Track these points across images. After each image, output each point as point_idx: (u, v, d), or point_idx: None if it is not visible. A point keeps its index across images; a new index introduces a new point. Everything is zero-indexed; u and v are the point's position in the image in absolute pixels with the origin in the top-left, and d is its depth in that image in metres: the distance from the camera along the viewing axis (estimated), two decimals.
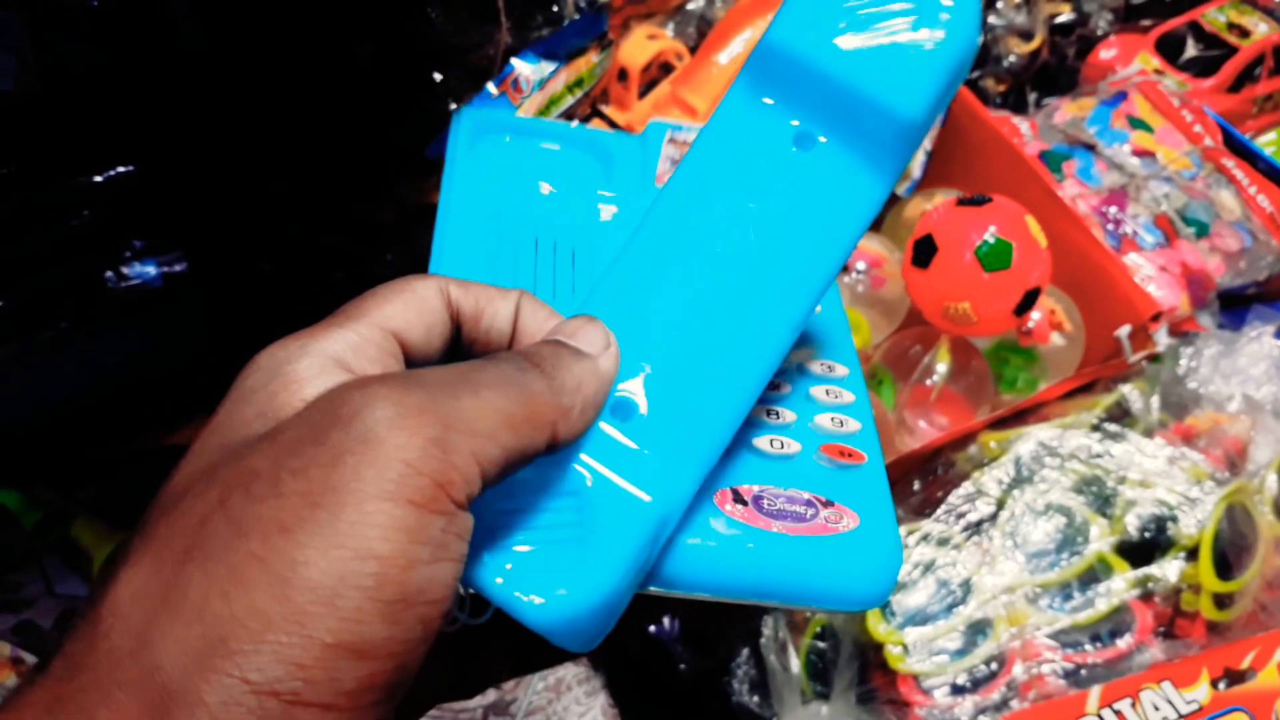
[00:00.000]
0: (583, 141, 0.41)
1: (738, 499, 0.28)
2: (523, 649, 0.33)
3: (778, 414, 0.31)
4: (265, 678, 0.18)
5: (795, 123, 0.28)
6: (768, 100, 0.28)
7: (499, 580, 0.23)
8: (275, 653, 0.18)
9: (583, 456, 0.25)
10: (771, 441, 0.30)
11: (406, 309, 0.25)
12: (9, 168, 0.51)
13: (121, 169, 0.54)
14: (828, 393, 0.32)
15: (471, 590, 0.24)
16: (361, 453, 0.20)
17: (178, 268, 0.57)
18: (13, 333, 0.54)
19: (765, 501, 0.29)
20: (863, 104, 0.27)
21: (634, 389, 0.27)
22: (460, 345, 0.27)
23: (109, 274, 0.57)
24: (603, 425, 0.26)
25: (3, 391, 0.56)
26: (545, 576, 0.23)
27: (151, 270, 0.57)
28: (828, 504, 0.29)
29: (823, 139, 0.28)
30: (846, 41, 0.27)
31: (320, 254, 0.58)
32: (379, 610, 0.19)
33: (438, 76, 0.50)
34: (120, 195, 0.55)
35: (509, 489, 0.24)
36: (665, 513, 0.25)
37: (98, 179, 0.54)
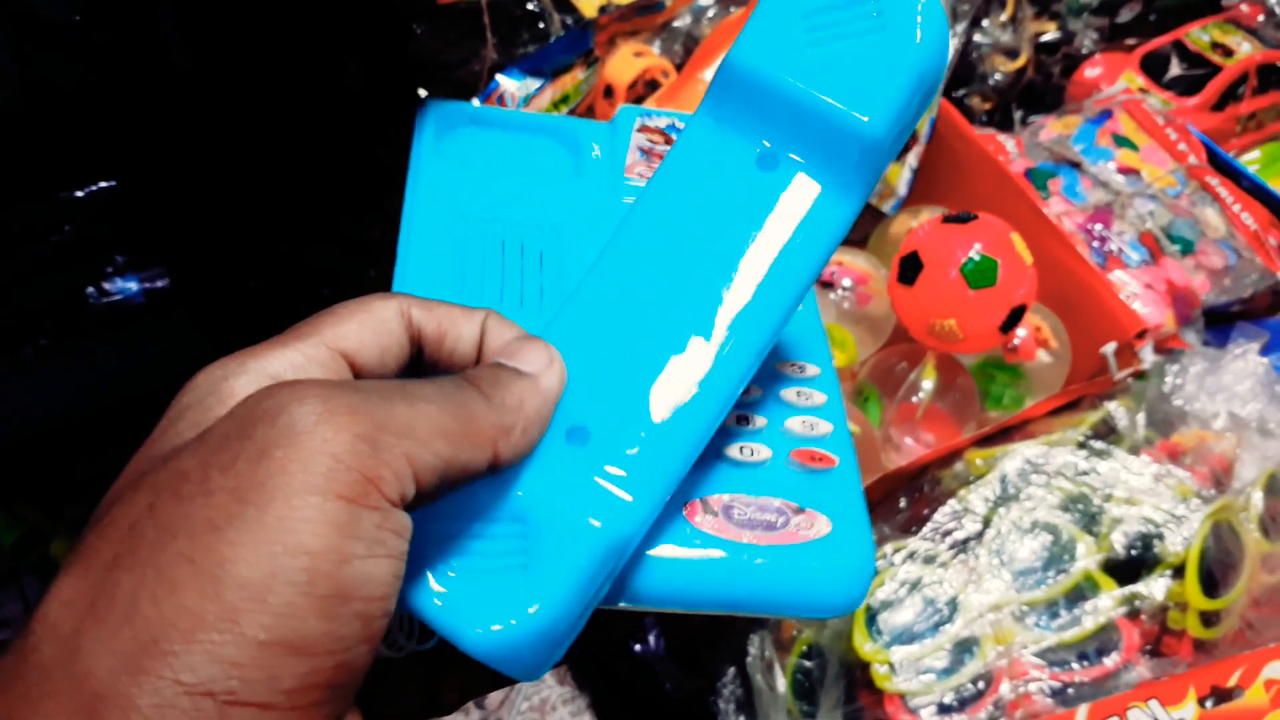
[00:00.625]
0: (550, 129, 0.40)
1: (707, 509, 0.28)
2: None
3: (748, 420, 0.31)
4: (198, 678, 0.18)
5: (764, 143, 0.28)
6: (731, 120, 0.28)
7: (437, 603, 0.23)
8: (208, 652, 0.18)
9: (529, 479, 0.25)
10: (742, 449, 0.30)
11: (362, 329, 0.25)
12: None
13: (103, 184, 0.53)
14: (799, 395, 0.32)
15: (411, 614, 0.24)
16: (287, 446, 0.19)
17: (160, 284, 0.56)
18: None
19: (735, 511, 0.28)
20: (826, 122, 0.26)
21: (593, 410, 0.26)
22: (422, 366, 0.27)
23: (90, 290, 0.56)
24: (552, 447, 0.25)
25: None
26: (486, 603, 0.23)
27: (134, 286, 0.57)
28: (799, 510, 0.29)
29: (792, 157, 0.27)
30: (808, 60, 0.27)
31: (306, 270, 0.58)
32: (313, 606, 0.19)
33: (423, 93, 0.50)
34: (102, 211, 0.54)
35: (451, 511, 0.24)
36: (618, 538, 0.25)
37: (79, 194, 0.53)
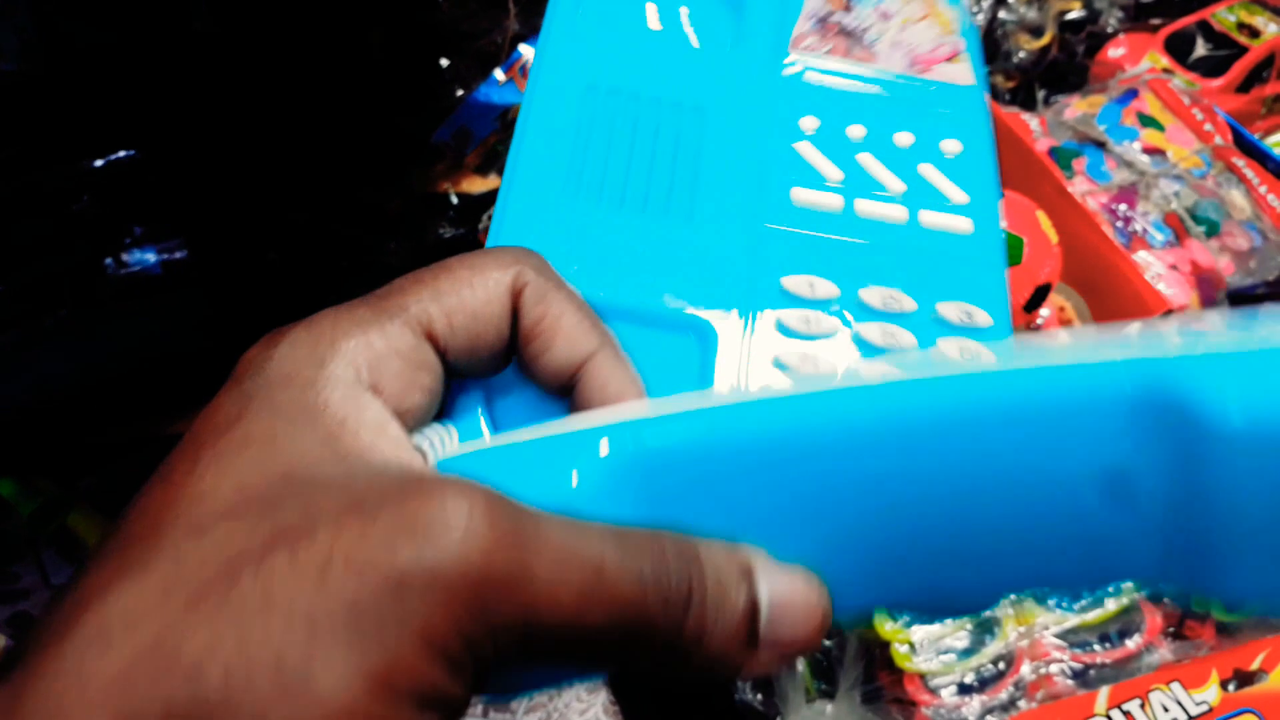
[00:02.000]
0: None
1: None
2: None
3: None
4: None
5: None
6: None
7: None
8: None
9: None
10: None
11: (463, 308, 0.22)
12: (9, 150, 0.51)
13: (123, 154, 0.53)
14: (961, 353, 0.27)
15: None
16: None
17: (178, 255, 0.56)
18: (12, 319, 0.54)
19: None
20: None
21: None
22: (510, 348, 0.24)
23: (109, 260, 0.56)
24: None
25: (2, 378, 0.55)
26: None
27: (151, 257, 0.56)
28: None
29: None
30: None
31: (326, 242, 0.58)
32: None
33: (445, 63, 0.50)
34: (121, 181, 0.54)
35: None
36: None
37: (98, 163, 0.53)
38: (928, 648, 0.48)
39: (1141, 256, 0.62)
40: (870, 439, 0.21)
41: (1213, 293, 0.62)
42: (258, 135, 0.54)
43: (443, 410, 0.24)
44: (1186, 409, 0.19)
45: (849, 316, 0.28)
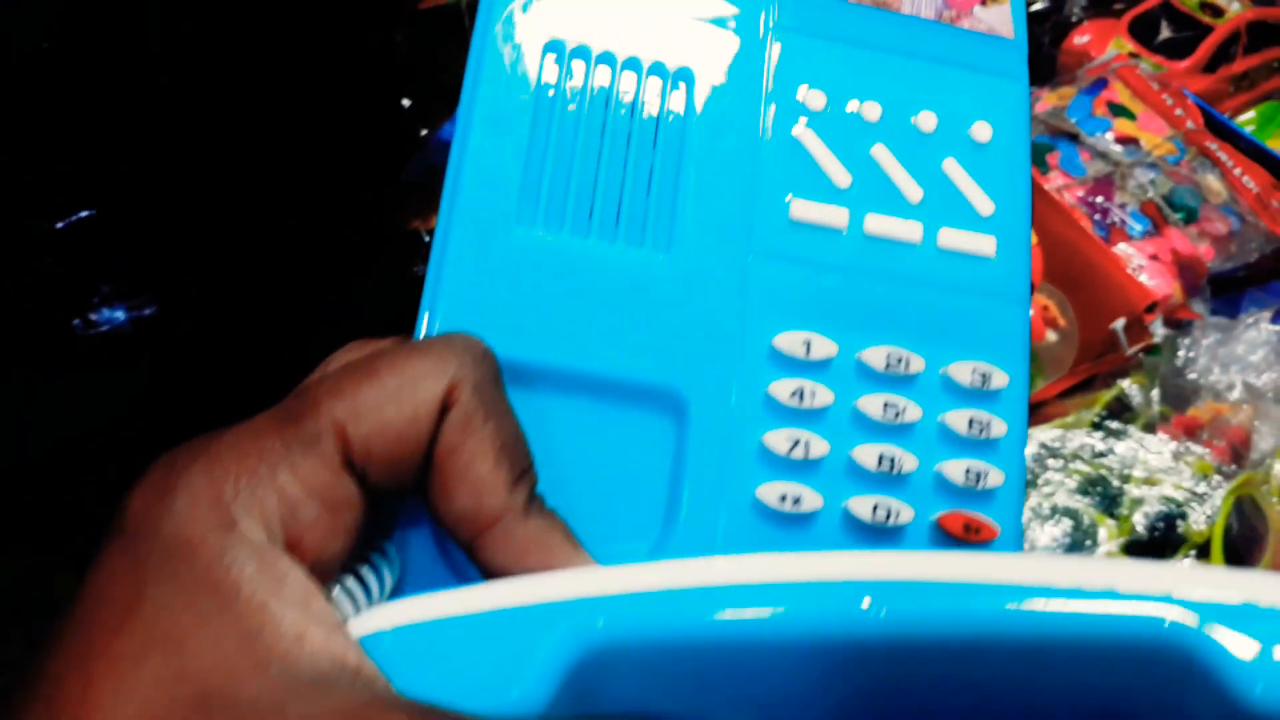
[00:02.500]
0: None
1: None
2: None
3: (894, 462, 0.25)
4: None
5: None
6: None
7: None
8: None
9: None
10: (875, 509, 0.24)
11: (383, 427, 0.20)
12: None
13: (84, 213, 0.52)
14: (972, 425, 0.25)
15: None
16: None
17: (146, 311, 0.55)
18: None
19: None
20: None
21: None
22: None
23: (76, 321, 0.55)
24: None
25: None
26: None
27: (120, 315, 0.55)
28: None
29: None
30: None
31: (299, 284, 0.57)
32: None
33: (406, 102, 0.49)
34: (84, 240, 0.53)
35: None
36: None
37: (59, 225, 0.52)
38: None
39: (1121, 249, 0.61)
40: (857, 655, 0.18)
41: (1195, 280, 0.62)
42: (220, 186, 0.53)
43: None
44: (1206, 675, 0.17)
45: (848, 385, 0.25)
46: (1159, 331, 0.56)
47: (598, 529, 0.23)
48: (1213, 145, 0.68)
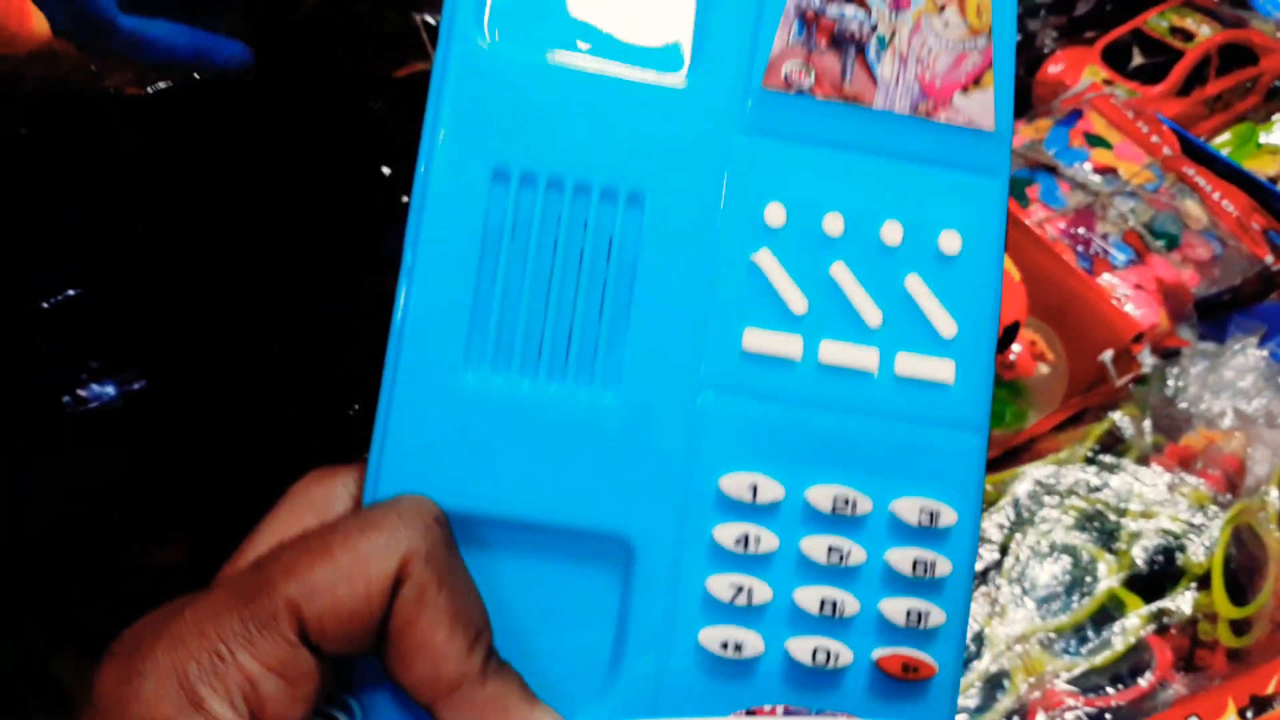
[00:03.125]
0: None
1: None
2: None
3: (835, 605, 0.25)
4: None
5: None
6: None
7: None
8: None
9: None
10: (816, 651, 0.25)
11: (335, 606, 0.21)
12: None
13: (71, 292, 0.52)
14: (916, 565, 0.25)
15: None
16: None
17: (136, 385, 0.55)
18: None
19: None
20: None
21: None
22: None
23: (66, 398, 0.55)
24: None
25: None
26: None
27: (110, 390, 0.55)
28: None
29: None
30: None
31: (283, 354, 0.57)
32: None
33: (387, 171, 0.49)
34: (71, 318, 0.53)
35: None
36: None
37: (46, 304, 0.52)
38: None
39: (1106, 279, 0.62)
40: None
41: (1181, 307, 0.62)
42: (204, 260, 0.53)
43: None
44: None
45: (793, 528, 0.25)
46: (1147, 361, 0.56)
47: (549, 675, 0.24)
48: (1190, 170, 0.69)
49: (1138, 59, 0.83)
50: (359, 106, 0.48)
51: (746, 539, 0.25)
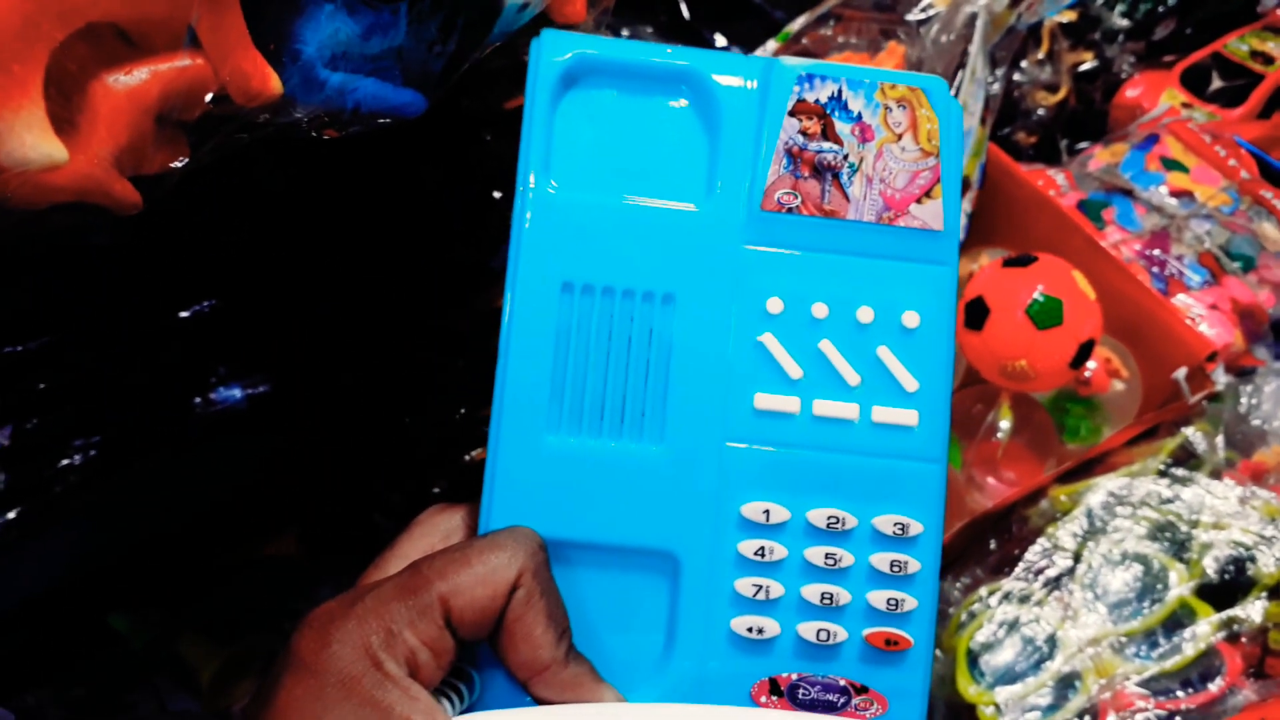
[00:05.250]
0: (686, 80, 0.35)
1: (775, 690, 0.33)
2: None
3: (831, 596, 0.33)
4: None
5: None
6: None
7: None
8: None
9: None
10: (819, 631, 0.33)
11: (473, 602, 0.29)
12: (109, 312, 0.55)
13: (207, 303, 0.57)
14: (892, 565, 0.33)
15: None
16: None
17: (261, 389, 0.60)
18: (112, 465, 0.57)
19: (801, 691, 0.33)
20: None
21: None
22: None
23: (196, 400, 0.60)
24: None
25: (105, 522, 0.59)
26: None
27: (237, 393, 0.60)
28: (861, 690, 0.33)
29: None
30: None
31: (397, 363, 0.61)
32: None
33: (497, 194, 0.53)
34: (206, 327, 0.58)
35: None
36: None
37: (184, 314, 0.57)
38: (1013, 707, 0.49)
39: (1180, 300, 0.63)
40: None
41: (1257, 327, 0.63)
42: (330, 275, 0.57)
43: None
44: None
45: (797, 541, 0.34)
46: (1221, 379, 0.58)
47: (614, 661, 0.33)
48: (1268, 194, 0.70)
49: (1217, 83, 0.84)
50: (473, 137, 0.53)
51: (763, 550, 0.33)
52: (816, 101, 0.34)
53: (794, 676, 0.33)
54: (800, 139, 0.34)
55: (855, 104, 0.34)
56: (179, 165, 0.23)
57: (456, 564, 0.30)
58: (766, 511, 0.33)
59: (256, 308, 0.58)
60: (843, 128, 0.34)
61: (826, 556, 0.33)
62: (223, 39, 0.20)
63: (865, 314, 0.34)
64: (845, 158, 0.34)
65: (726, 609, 0.33)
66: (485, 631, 0.30)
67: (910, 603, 0.33)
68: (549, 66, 0.34)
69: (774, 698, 0.33)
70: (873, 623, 0.33)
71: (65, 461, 0.56)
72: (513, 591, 0.30)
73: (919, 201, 0.34)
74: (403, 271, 0.57)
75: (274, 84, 0.22)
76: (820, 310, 0.34)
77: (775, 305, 0.34)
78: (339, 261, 0.57)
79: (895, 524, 0.33)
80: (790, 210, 0.34)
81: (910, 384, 0.34)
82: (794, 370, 0.34)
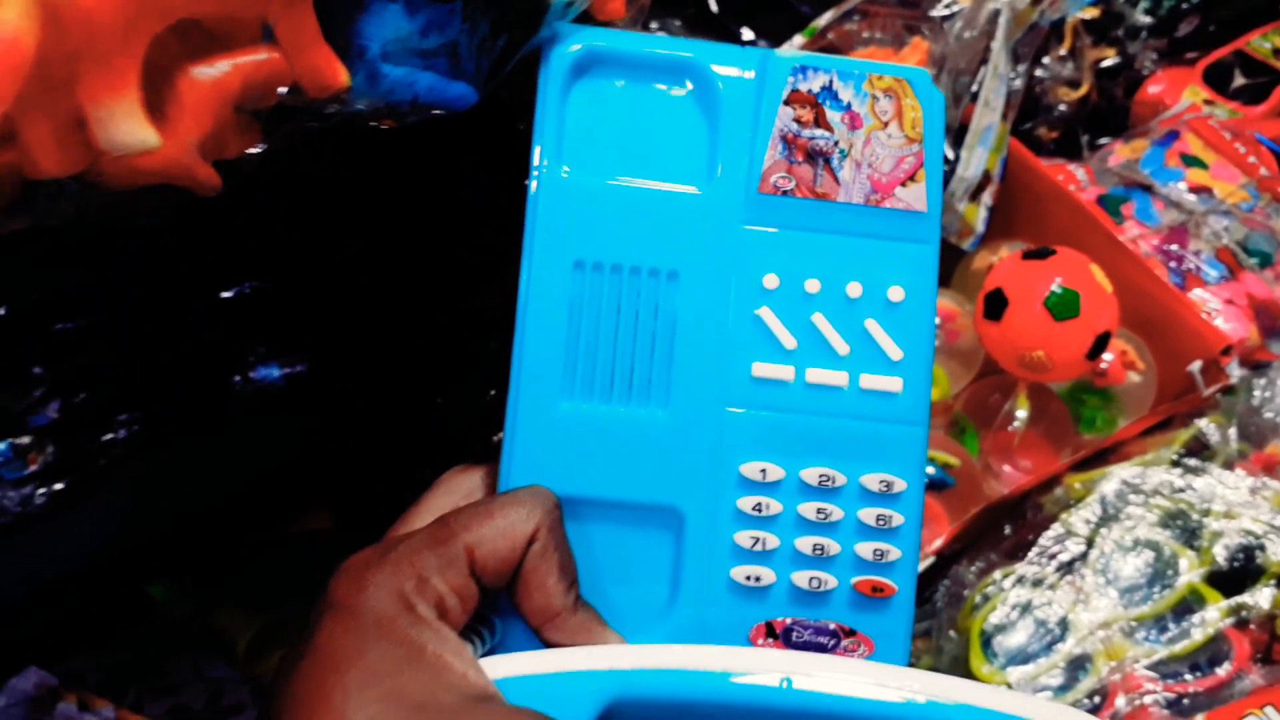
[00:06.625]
0: (688, 71, 0.37)
1: (770, 633, 0.36)
2: None
3: (822, 548, 0.36)
4: None
5: None
6: None
7: None
8: None
9: None
10: (811, 580, 0.36)
11: (495, 552, 0.32)
12: (153, 291, 0.57)
13: (248, 285, 0.58)
14: (878, 519, 0.36)
15: None
16: None
17: (298, 368, 0.61)
18: (153, 442, 0.59)
19: (795, 634, 0.36)
20: None
21: None
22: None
23: (236, 378, 0.62)
24: None
25: (146, 495, 0.61)
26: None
27: (275, 372, 0.62)
28: (850, 633, 0.36)
29: None
30: None
31: (430, 345, 0.63)
32: None
33: (529, 185, 0.55)
34: (246, 308, 0.59)
35: None
36: None
37: (226, 295, 0.59)
38: (1024, 687, 0.50)
39: (1197, 294, 0.64)
40: None
41: (1272, 323, 0.64)
42: (367, 258, 0.59)
43: None
44: None
45: (791, 497, 0.36)
46: (1235, 373, 0.59)
47: (622, 609, 0.36)
48: None
49: (1239, 80, 0.84)
50: (508, 126, 0.54)
51: (760, 506, 0.36)
52: (809, 91, 0.37)
53: (788, 621, 0.36)
54: (794, 126, 0.37)
55: (845, 94, 0.37)
56: (255, 152, 0.25)
57: (480, 518, 0.32)
58: (763, 470, 0.36)
59: (295, 289, 0.60)
60: (833, 116, 0.37)
61: (818, 511, 0.36)
62: (297, 35, 0.22)
63: (854, 289, 0.36)
64: (836, 144, 0.37)
65: (726, 559, 0.36)
66: (504, 580, 0.33)
67: (894, 553, 0.36)
68: (560, 57, 0.37)
69: (770, 640, 0.35)
70: (860, 571, 0.36)
71: (109, 436, 0.58)
72: (530, 544, 0.33)
73: (904, 185, 0.37)
74: (437, 256, 0.58)
75: (343, 77, 0.24)
76: (813, 286, 0.37)
77: (771, 281, 0.36)
78: (376, 245, 0.59)
79: (881, 481, 0.36)
80: (785, 193, 0.37)
81: (895, 354, 0.36)
82: (788, 341, 0.36)
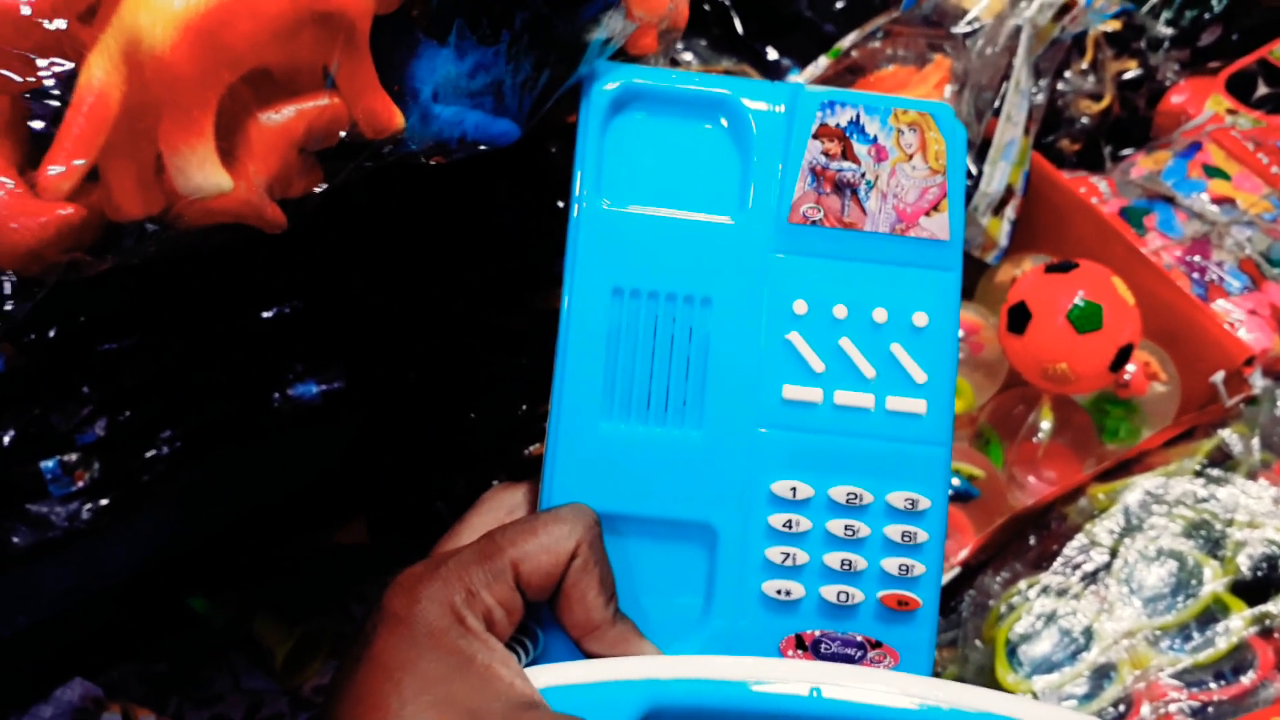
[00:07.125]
0: (722, 106, 0.39)
1: (800, 644, 0.37)
2: None
3: (850, 563, 0.37)
4: None
5: None
6: None
7: None
8: None
9: None
10: (839, 593, 0.37)
11: (539, 567, 0.33)
12: (196, 312, 0.58)
13: (287, 305, 0.60)
14: (904, 536, 0.37)
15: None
16: None
17: (335, 385, 0.63)
18: (194, 456, 0.61)
19: (823, 645, 0.37)
20: None
21: None
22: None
23: (275, 395, 0.63)
24: None
25: (187, 509, 0.62)
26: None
27: (313, 389, 0.63)
28: (876, 645, 0.37)
29: None
30: None
31: (463, 362, 0.64)
32: None
33: (560, 204, 0.56)
34: (285, 327, 0.61)
35: None
36: None
37: (266, 315, 0.60)
38: (1049, 696, 0.51)
39: (1220, 305, 0.65)
40: None
41: None
42: (403, 279, 0.60)
43: None
44: None
45: (820, 515, 0.38)
46: (1259, 383, 0.59)
47: (658, 621, 0.37)
48: None
49: (1262, 89, 0.85)
50: (540, 150, 0.56)
51: (790, 523, 0.37)
52: (837, 125, 0.38)
53: (817, 633, 0.37)
54: (823, 159, 0.38)
55: (871, 128, 0.38)
56: (318, 191, 0.27)
57: (525, 534, 0.34)
58: (794, 489, 0.37)
59: (333, 309, 0.61)
60: (860, 149, 0.38)
61: (846, 528, 0.37)
62: (356, 82, 0.23)
63: (880, 314, 0.38)
64: (863, 175, 0.38)
65: (758, 574, 0.37)
66: (547, 594, 0.34)
67: (919, 568, 0.37)
68: (600, 94, 0.39)
69: (800, 651, 0.37)
70: (886, 586, 0.37)
71: (153, 452, 0.59)
72: (571, 560, 0.34)
73: (927, 214, 0.38)
74: (470, 276, 0.60)
75: (399, 120, 0.25)
76: (840, 311, 0.38)
77: (801, 307, 0.38)
78: (412, 267, 0.60)
79: (906, 499, 0.37)
80: (814, 222, 0.38)
81: (920, 376, 0.38)
82: (817, 364, 0.38)
